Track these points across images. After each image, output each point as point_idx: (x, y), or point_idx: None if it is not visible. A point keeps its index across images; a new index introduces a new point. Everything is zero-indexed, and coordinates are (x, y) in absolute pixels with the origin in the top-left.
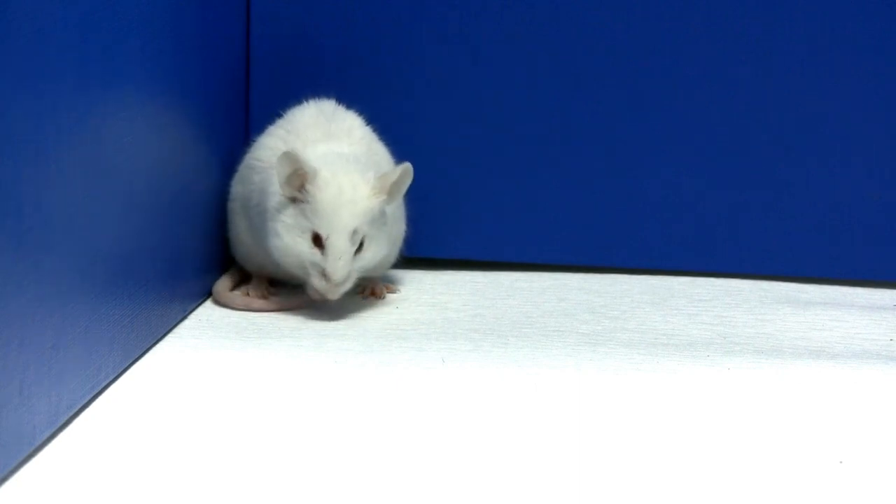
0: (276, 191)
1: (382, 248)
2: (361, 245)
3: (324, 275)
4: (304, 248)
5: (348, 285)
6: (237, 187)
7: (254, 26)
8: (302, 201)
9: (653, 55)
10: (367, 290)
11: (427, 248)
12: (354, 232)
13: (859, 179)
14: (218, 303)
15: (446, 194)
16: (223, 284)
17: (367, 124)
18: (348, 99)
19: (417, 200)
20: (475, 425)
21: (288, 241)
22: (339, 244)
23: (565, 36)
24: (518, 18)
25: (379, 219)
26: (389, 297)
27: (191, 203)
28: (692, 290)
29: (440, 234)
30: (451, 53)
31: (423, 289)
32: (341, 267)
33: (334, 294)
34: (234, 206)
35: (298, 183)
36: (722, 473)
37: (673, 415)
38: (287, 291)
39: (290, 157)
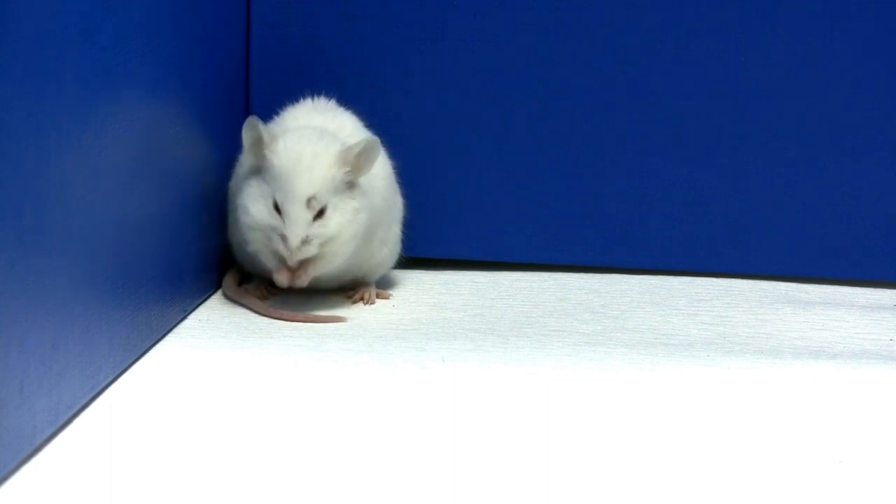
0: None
1: (353, 223)
2: (323, 213)
3: (283, 240)
4: (265, 214)
5: (310, 251)
6: (234, 187)
7: (254, 26)
8: (264, 168)
9: (653, 56)
10: (357, 296)
11: (427, 248)
12: (312, 198)
13: (859, 179)
14: (227, 297)
15: (446, 194)
16: (231, 279)
17: (367, 126)
18: (348, 98)
19: (417, 200)
20: (475, 425)
21: (252, 211)
22: (294, 210)
23: (565, 36)
24: (518, 20)
25: (346, 191)
26: (389, 296)
27: (191, 203)
28: (692, 290)
29: (440, 234)
30: (451, 54)
31: (423, 289)
32: (297, 231)
33: (293, 257)
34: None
35: (262, 150)
36: (722, 473)
37: (673, 415)
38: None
39: (252, 124)
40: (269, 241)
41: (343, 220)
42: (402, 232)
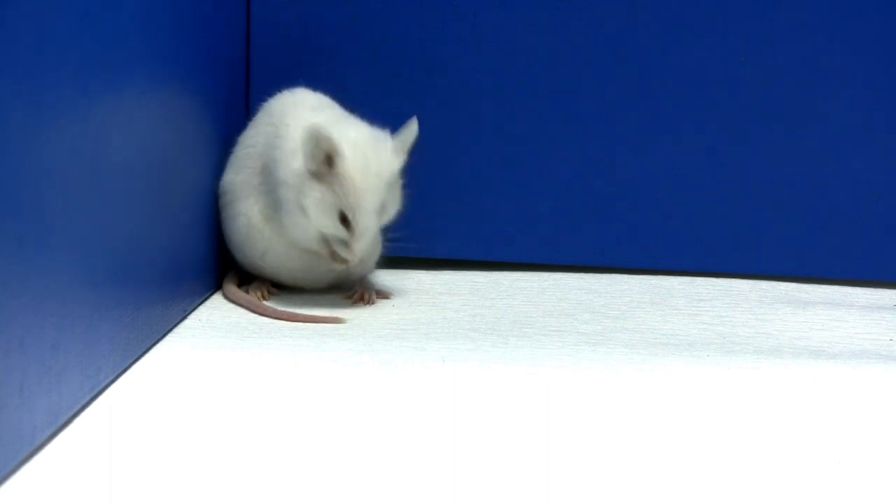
0: (296, 166)
1: (397, 204)
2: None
3: (347, 247)
4: (331, 227)
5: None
6: (236, 175)
7: (254, 24)
8: (328, 177)
9: (653, 56)
10: (356, 296)
11: (427, 248)
12: (381, 207)
13: (859, 179)
14: (227, 297)
15: (446, 194)
16: (231, 280)
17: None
18: (347, 96)
19: (417, 200)
20: (475, 425)
21: (320, 224)
22: (365, 221)
23: (565, 37)
24: (517, 20)
25: (396, 181)
26: (389, 296)
27: (191, 203)
28: (692, 290)
29: (440, 234)
30: (451, 54)
31: (423, 289)
32: (364, 246)
33: (354, 262)
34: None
35: (322, 158)
36: (721, 473)
37: (673, 415)
38: (289, 294)
39: (323, 136)
40: (327, 244)
41: (394, 207)
42: (401, 232)
